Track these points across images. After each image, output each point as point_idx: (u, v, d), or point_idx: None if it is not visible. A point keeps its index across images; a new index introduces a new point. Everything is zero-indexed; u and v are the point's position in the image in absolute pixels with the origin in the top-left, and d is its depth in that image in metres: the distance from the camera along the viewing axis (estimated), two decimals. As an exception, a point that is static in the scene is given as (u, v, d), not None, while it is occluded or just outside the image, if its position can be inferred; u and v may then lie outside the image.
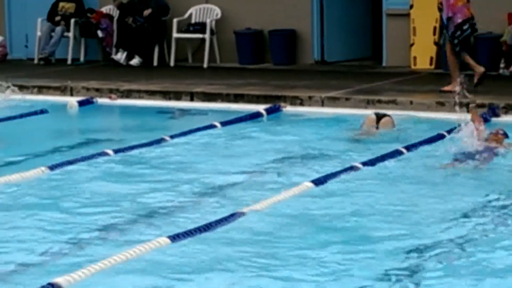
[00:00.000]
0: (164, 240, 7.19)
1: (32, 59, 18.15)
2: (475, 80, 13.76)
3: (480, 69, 13.89)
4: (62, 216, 8.42)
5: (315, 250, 7.23)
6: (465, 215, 8.10)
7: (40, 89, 15.25)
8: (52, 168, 9.87)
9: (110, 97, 14.32)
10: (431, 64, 15.75)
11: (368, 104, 13.18)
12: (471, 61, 14.06)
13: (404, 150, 10.48)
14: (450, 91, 13.20)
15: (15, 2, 18.73)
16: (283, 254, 7.11)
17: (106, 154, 10.64)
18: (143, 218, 8.26)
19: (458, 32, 13.77)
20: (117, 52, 17.35)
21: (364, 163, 9.87)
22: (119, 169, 10.23)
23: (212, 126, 12.07)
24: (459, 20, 13.76)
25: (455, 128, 10.75)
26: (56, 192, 9.21)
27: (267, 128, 12.48)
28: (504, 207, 8.34)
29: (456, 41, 13.87)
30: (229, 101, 13.88)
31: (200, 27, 17.07)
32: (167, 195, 9.08)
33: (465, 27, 13.77)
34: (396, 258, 6.96)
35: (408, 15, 15.97)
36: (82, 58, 17.85)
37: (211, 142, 11.49)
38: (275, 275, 6.67)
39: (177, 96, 14.32)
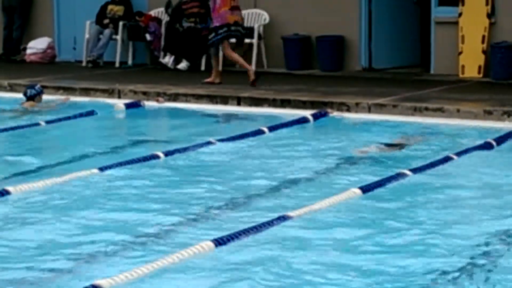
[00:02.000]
0: (208, 245, 7.27)
1: (80, 62, 18.33)
2: (251, 79, 15.50)
3: (251, 68, 16.07)
4: (111, 217, 8.51)
5: (363, 255, 7.26)
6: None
7: (88, 91, 15.38)
8: (102, 169, 9.97)
9: (157, 100, 14.44)
10: (479, 72, 15.70)
11: (415, 111, 13.20)
12: (241, 61, 16.12)
13: (454, 156, 10.52)
14: (211, 83, 15.81)
15: (64, 4, 18.91)
16: (330, 259, 7.11)
17: (156, 156, 10.73)
18: (189, 221, 8.30)
19: (213, 34, 15.72)
20: (164, 55, 17.47)
21: (412, 170, 9.83)
22: (168, 172, 10.31)
23: (260, 131, 12.14)
24: (217, 24, 15.60)
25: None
26: (106, 193, 9.28)
27: (314, 133, 12.57)
28: None
29: (210, 41, 15.90)
30: (275, 106, 13.93)
31: (248, 31, 17.10)
32: (215, 197, 9.09)
33: (220, 30, 15.56)
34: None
35: (456, 23, 15.93)
36: (130, 61, 18.04)
37: (258, 147, 11.53)
38: (322, 281, 6.73)
39: (224, 100, 14.40)
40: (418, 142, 11.68)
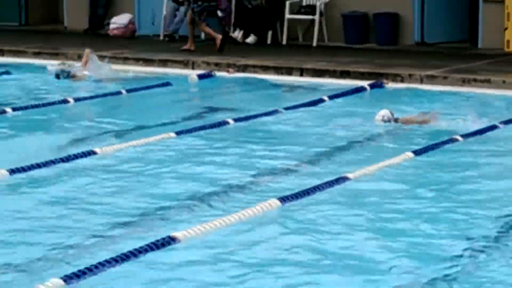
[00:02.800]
0: (275, 202, 7.37)
1: (158, 36, 18.43)
2: (217, 46, 16.22)
3: (219, 36, 16.39)
4: (187, 175, 8.67)
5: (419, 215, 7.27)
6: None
7: (165, 63, 15.54)
8: (178, 133, 10.12)
9: (227, 71, 14.59)
10: (525, 46, 15.61)
11: (464, 82, 13.29)
12: (209, 31, 16.76)
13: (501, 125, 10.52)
14: (188, 50, 16.54)
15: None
16: (388, 217, 7.17)
17: (225, 122, 10.83)
18: (256, 180, 8.45)
19: (196, 5, 16.60)
20: (234, 30, 17.56)
21: (463, 135, 9.84)
22: (238, 136, 10.39)
23: (321, 100, 12.20)
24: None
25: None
26: (181, 155, 9.42)
27: (370, 101, 12.61)
28: None
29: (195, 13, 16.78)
30: (336, 77, 14.04)
31: (310, 9, 17.21)
32: (280, 160, 9.21)
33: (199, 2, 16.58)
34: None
35: (503, 1, 15.89)
36: (202, 36, 18.02)
37: (320, 114, 11.57)
38: (379, 237, 6.73)
39: (289, 71, 14.51)
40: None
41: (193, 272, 5.99)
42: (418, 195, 7.92)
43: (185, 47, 16.72)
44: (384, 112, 10.58)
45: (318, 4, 17.10)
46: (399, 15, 16.85)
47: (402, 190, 8.09)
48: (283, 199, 7.44)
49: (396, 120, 10.65)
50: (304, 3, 17.32)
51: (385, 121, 10.53)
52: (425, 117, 10.86)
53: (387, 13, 16.82)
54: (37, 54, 16.29)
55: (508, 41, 15.84)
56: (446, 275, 5.60)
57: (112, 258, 6.01)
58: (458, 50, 16.32)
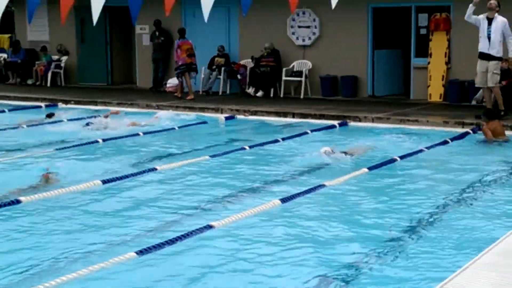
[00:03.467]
0: (277, 202, 7.43)
1: (198, 91, 18.24)
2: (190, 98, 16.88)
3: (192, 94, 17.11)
4: (219, 183, 8.71)
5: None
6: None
7: (202, 109, 15.51)
8: (211, 156, 10.16)
9: (244, 115, 14.63)
10: (440, 98, 15.73)
11: (401, 122, 13.39)
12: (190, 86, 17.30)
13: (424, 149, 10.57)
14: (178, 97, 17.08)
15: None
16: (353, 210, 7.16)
17: (243, 148, 10.87)
18: (263, 186, 8.51)
19: (178, 70, 17.29)
20: (248, 87, 17.60)
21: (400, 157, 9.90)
22: (252, 157, 10.39)
23: (306, 133, 12.28)
24: (180, 63, 17.12)
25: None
26: (214, 170, 9.43)
27: (338, 136, 12.54)
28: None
29: (176, 74, 17.44)
30: (316, 118, 14.08)
31: (299, 73, 17.29)
32: (280, 173, 9.29)
33: (182, 68, 17.17)
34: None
35: (426, 68, 15.98)
36: (228, 91, 18.12)
37: (305, 142, 11.54)
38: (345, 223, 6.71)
39: (285, 115, 14.60)
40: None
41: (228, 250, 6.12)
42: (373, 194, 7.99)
43: (176, 94, 17.57)
44: (325, 148, 10.00)
45: (304, 70, 17.16)
46: (357, 77, 16.88)
47: (362, 191, 8.22)
48: (283, 200, 7.54)
49: (333, 152, 9.98)
50: (295, 69, 17.38)
51: (326, 154, 9.91)
52: (365, 148, 10.54)
53: (350, 76, 16.84)
54: (118, 104, 16.38)
55: (430, 94, 15.87)
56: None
57: (173, 238, 6.18)
58: (397, 100, 16.29)
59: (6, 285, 5.24)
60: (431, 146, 10.77)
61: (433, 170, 9.57)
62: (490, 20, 12.42)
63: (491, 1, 12.41)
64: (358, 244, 6.19)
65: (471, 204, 7.56)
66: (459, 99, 15.13)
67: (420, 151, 10.43)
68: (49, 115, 12.69)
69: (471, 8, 12.46)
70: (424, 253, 5.89)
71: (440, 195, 7.90)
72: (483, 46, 12.59)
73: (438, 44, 15.69)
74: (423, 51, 16.09)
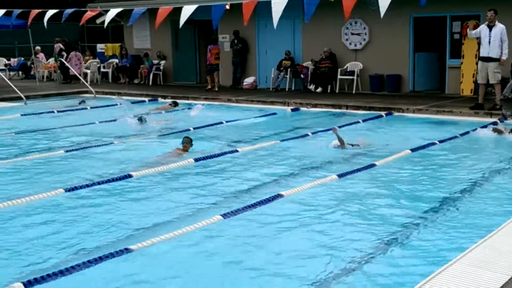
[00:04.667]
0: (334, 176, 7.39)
1: (269, 88, 18.45)
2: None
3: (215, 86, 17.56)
4: (283, 160, 8.68)
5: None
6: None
7: (272, 102, 15.55)
8: (281, 140, 10.23)
9: (307, 107, 14.64)
10: (471, 92, 15.36)
11: (438, 112, 13.12)
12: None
13: (458, 136, 10.32)
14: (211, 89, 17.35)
15: (262, 61, 19.15)
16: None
17: (307, 135, 10.87)
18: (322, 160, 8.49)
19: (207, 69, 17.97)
20: (310, 85, 17.56)
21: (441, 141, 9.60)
22: (314, 142, 10.23)
23: (358, 122, 12.23)
24: (208, 63, 17.76)
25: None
26: (283, 151, 9.37)
27: (387, 125, 12.37)
28: None
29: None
30: (366, 110, 13.93)
31: (351, 73, 17.16)
32: (338, 153, 9.19)
33: (208, 67, 17.95)
34: None
35: (459, 67, 15.66)
36: (293, 88, 18.10)
37: (357, 130, 11.42)
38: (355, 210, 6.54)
39: (340, 107, 14.48)
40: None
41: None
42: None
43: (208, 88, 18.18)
44: (334, 142, 9.42)
45: (356, 70, 17.05)
46: (401, 75, 16.65)
47: (407, 167, 8.09)
48: (339, 175, 7.49)
49: (342, 144, 9.35)
50: (348, 69, 17.27)
51: (334, 147, 9.35)
52: (369, 141, 9.83)
53: (394, 74, 16.63)
54: (205, 99, 16.57)
55: (462, 89, 15.57)
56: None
57: (253, 203, 6.26)
58: (434, 94, 16.00)
59: (130, 236, 5.42)
60: (464, 133, 10.60)
61: (470, 152, 9.32)
62: (490, 28, 12.42)
63: (488, 14, 12.51)
64: (408, 208, 6.18)
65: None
66: (487, 93, 14.71)
67: (455, 137, 10.28)
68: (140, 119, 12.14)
69: (469, 31, 12.97)
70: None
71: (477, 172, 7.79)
72: (483, 51, 12.56)
73: (469, 47, 15.31)
74: (457, 53, 15.77)
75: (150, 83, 20.70)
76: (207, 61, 18.28)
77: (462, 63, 15.58)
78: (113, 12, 12.58)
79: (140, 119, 11.94)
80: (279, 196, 6.56)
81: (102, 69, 22.39)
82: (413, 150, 9.10)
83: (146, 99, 16.96)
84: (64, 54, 21.40)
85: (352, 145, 9.39)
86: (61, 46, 21.65)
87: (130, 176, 7.60)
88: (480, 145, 9.85)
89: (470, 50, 15.36)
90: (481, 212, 6.04)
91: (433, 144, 9.60)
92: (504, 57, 12.45)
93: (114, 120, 12.74)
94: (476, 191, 6.92)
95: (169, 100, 15.91)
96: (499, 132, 10.27)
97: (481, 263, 4.33)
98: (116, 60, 22.31)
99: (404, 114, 13.33)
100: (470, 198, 6.61)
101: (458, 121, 12.30)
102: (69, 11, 13.58)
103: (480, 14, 14.99)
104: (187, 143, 9.03)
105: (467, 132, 10.60)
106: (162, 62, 21.10)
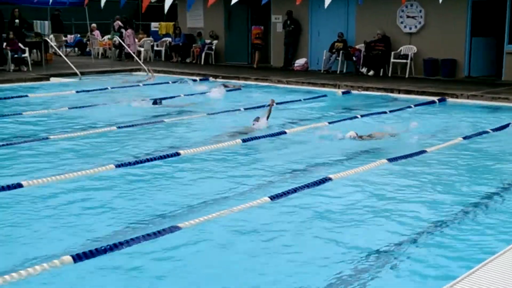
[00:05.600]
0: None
1: (320, 70, 18.36)
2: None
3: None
4: (332, 139, 8.60)
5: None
6: None
7: (323, 85, 15.31)
8: (330, 123, 10.16)
9: (358, 90, 14.48)
10: (529, 79, 14.86)
11: (493, 99, 12.76)
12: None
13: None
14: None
15: (314, 43, 19.04)
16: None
17: (356, 117, 10.81)
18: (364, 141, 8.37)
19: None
20: (362, 68, 17.37)
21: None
22: (364, 125, 10.08)
23: (409, 107, 12.02)
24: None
25: None
26: (332, 133, 9.06)
27: (438, 109, 12.22)
28: None
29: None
30: (418, 94, 13.70)
31: (405, 56, 16.85)
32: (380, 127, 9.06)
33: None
34: None
35: (518, 53, 15.11)
36: (344, 70, 17.96)
37: (409, 115, 11.22)
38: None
39: (392, 91, 14.30)
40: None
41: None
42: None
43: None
44: (350, 133, 8.83)
45: (409, 54, 16.73)
46: (456, 60, 16.26)
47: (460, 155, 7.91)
48: (390, 159, 7.39)
49: (361, 137, 8.81)
50: (402, 53, 16.96)
51: (351, 138, 8.74)
52: (384, 133, 9.18)
53: (449, 59, 16.25)
54: (256, 79, 16.59)
55: (519, 76, 15.13)
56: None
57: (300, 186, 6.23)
58: (489, 80, 15.56)
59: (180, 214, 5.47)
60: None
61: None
62: None
63: None
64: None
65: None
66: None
67: (508, 124, 9.94)
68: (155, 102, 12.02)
69: None
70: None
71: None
72: None
73: (530, 32, 14.81)
74: (516, 39, 15.28)
75: (202, 62, 20.80)
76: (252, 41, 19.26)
77: (519, 49, 15.07)
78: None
79: (155, 102, 11.89)
80: (328, 179, 6.50)
81: (155, 48, 22.62)
82: (465, 138, 8.88)
83: (197, 78, 17.05)
84: (123, 31, 21.70)
85: (369, 137, 8.91)
86: (120, 23, 21.98)
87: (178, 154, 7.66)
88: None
89: (530, 36, 14.84)
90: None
91: (485, 132, 9.34)
92: None
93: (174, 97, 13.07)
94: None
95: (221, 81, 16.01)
96: None
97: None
98: (169, 39, 22.49)
99: (458, 100, 13.00)
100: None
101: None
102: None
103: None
104: (257, 120, 9.72)
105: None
106: (215, 41, 21.15)
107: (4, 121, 10.24)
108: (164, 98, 12.53)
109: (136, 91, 14.47)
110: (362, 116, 10.81)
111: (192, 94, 13.69)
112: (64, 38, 23.59)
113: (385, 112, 11.27)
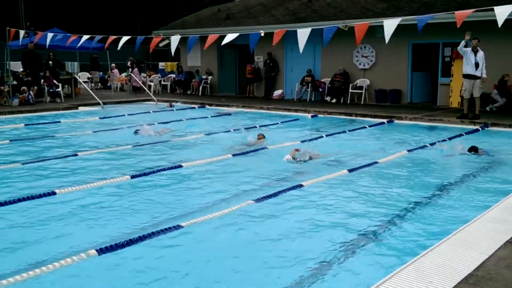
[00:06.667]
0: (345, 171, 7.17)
1: (293, 99, 18.31)
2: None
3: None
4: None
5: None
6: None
7: (296, 110, 15.33)
8: (302, 142, 9.94)
9: (323, 114, 14.47)
10: (458, 104, 14.95)
11: (430, 120, 12.81)
12: None
13: (446, 139, 9.92)
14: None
15: (289, 77, 19.05)
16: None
17: (322, 136, 10.63)
18: (339, 155, 8.27)
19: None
20: (326, 96, 17.38)
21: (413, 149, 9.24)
22: (328, 142, 10.07)
23: (364, 127, 12.00)
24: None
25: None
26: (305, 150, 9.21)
27: (388, 128, 12.20)
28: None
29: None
30: (371, 117, 13.71)
31: (360, 87, 16.93)
32: (354, 149, 8.98)
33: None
34: None
35: (449, 84, 15.30)
36: (313, 99, 17.88)
37: (364, 134, 11.22)
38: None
39: (350, 115, 14.28)
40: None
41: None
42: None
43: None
44: (287, 156, 7.82)
45: (364, 85, 16.82)
46: (401, 90, 16.36)
47: (403, 166, 7.86)
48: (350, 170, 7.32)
49: (295, 159, 7.71)
50: (358, 85, 17.03)
51: (288, 161, 7.67)
52: (323, 154, 8.27)
53: (395, 89, 16.35)
54: (242, 106, 16.51)
55: (451, 102, 15.20)
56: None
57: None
58: (427, 105, 15.67)
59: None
60: (451, 137, 10.31)
61: (453, 150, 8.96)
62: (475, 52, 12.23)
63: (473, 41, 12.26)
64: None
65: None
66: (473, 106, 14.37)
67: (444, 140, 10.01)
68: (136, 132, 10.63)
69: (462, 43, 12.23)
70: None
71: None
72: (470, 70, 12.27)
73: (457, 68, 14.89)
74: (447, 72, 15.42)
75: (200, 93, 20.75)
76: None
77: (451, 80, 15.21)
78: (175, 40, 12.77)
79: (136, 132, 10.73)
80: (300, 186, 6.44)
81: (162, 82, 22.58)
82: (409, 151, 8.89)
83: (196, 106, 17.00)
84: (130, 69, 21.68)
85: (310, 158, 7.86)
86: (128, 64, 21.97)
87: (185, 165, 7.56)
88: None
89: (458, 70, 14.95)
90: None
91: (426, 146, 9.37)
92: (485, 76, 12.25)
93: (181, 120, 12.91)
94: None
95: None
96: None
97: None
98: (174, 75, 22.48)
99: (402, 121, 13.05)
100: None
101: (447, 127, 11.99)
102: (140, 38, 13.82)
103: (468, 43, 14.63)
104: (262, 136, 9.91)
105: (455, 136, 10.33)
106: (209, 77, 21.14)
107: (41, 141, 10.15)
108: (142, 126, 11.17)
109: (147, 116, 14.38)
110: (327, 135, 10.75)
111: (179, 120, 13.11)
112: (90, 75, 23.50)
113: (344, 132, 11.27)
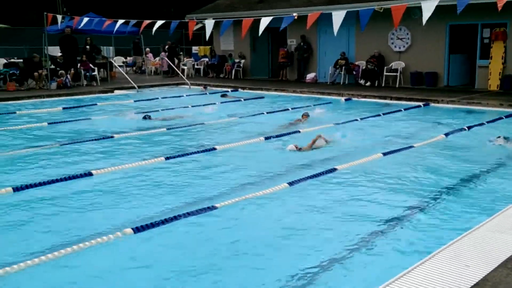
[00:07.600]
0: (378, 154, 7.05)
1: (326, 82, 18.07)
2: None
3: None
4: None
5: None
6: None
7: (329, 94, 15.20)
8: (335, 124, 9.92)
9: (357, 97, 14.23)
10: (497, 87, 14.51)
11: (468, 103, 12.47)
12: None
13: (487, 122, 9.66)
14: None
15: (322, 60, 18.81)
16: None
17: (356, 120, 10.54)
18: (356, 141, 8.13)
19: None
20: (360, 79, 17.12)
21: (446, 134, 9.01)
22: (364, 126, 9.85)
23: (399, 111, 11.75)
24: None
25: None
26: (339, 133, 8.90)
27: (423, 111, 11.90)
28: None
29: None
30: (406, 100, 13.39)
31: (395, 70, 16.56)
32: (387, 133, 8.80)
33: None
34: None
35: (487, 67, 14.78)
36: (346, 82, 17.65)
37: (399, 118, 10.97)
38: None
39: (384, 98, 14.00)
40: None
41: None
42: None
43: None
44: (290, 146, 7.49)
45: (399, 68, 16.45)
46: (437, 72, 15.92)
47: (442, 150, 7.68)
48: (384, 153, 7.19)
49: (300, 149, 7.42)
50: (392, 68, 16.69)
51: (290, 150, 7.37)
52: (324, 143, 7.87)
53: (432, 72, 15.91)
54: (274, 90, 16.41)
55: (490, 85, 14.70)
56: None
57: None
58: (465, 88, 15.18)
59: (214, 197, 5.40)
60: (491, 121, 9.99)
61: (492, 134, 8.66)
62: None
63: None
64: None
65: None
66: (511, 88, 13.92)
67: (482, 124, 9.70)
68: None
69: None
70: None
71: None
72: None
73: (497, 50, 14.47)
74: (485, 55, 14.89)
75: (233, 77, 20.74)
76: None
77: (490, 63, 14.69)
78: (209, 24, 12.74)
79: (145, 117, 10.64)
80: (334, 169, 6.35)
81: (195, 66, 22.64)
82: (446, 134, 8.67)
83: (229, 89, 17.00)
84: (163, 53, 21.79)
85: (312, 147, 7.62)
86: (162, 48, 22.08)
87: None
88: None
89: (497, 52, 14.48)
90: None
91: (465, 129, 9.10)
92: None
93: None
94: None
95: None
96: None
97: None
98: (207, 59, 22.49)
99: (439, 105, 12.72)
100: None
101: (485, 111, 11.63)
102: (175, 23, 13.85)
103: (507, 23, 14.11)
104: (306, 115, 10.34)
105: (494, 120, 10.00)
106: (242, 60, 21.08)
107: (79, 123, 10.34)
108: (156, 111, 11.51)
109: (180, 100, 14.47)
110: (361, 119, 10.58)
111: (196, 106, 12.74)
112: (124, 60, 23.77)
113: (379, 115, 11.06)
